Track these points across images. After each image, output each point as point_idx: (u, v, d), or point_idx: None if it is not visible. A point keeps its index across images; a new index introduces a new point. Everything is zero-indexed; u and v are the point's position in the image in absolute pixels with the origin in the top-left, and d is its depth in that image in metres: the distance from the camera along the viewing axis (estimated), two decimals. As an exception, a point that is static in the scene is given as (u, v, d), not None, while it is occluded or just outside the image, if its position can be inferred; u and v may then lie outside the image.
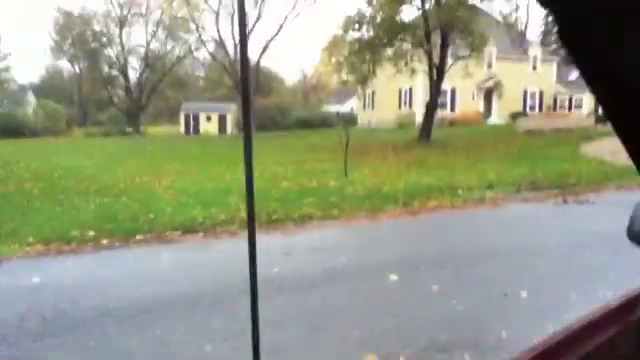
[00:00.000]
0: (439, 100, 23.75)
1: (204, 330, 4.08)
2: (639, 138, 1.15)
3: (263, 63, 52.49)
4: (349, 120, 33.06)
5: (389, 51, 23.66)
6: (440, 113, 24.76)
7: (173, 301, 4.72)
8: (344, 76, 26.77)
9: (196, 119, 48.23)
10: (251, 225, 1.13)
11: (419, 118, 23.57)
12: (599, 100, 1.09)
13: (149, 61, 49.48)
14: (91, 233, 7.28)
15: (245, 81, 1.22)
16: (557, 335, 1.26)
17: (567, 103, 38.37)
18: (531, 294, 4.70)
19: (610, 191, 10.37)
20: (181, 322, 4.26)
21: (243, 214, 8.22)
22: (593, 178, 11.79)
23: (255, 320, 1.24)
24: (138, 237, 7.24)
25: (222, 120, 47.86)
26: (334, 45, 27.01)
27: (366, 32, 23.23)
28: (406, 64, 23.35)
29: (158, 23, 47.54)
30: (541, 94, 38.98)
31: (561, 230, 7.49)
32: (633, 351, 1.32)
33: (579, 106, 36.51)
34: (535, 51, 38.24)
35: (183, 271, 5.81)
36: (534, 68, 38.63)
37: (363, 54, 23.11)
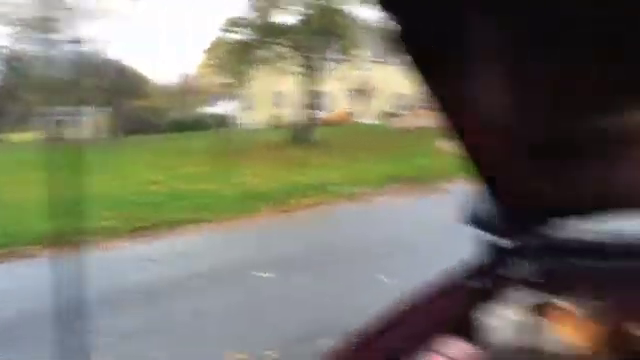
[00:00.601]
0: (315, 101, 24.36)
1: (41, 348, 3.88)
2: (471, 140, 1.32)
3: (137, 64, 50.06)
4: (228, 122, 32.78)
5: (267, 53, 23.82)
6: (316, 114, 25.39)
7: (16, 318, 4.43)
8: (223, 78, 26.46)
9: (63, 124, 44.78)
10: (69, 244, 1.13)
11: (296, 119, 24.02)
12: (433, 100, 1.22)
13: (12, 63, 45.09)
14: None
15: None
16: (397, 306, 1.41)
17: (433, 103, 41.16)
18: (399, 280, 4.91)
19: (463, 181, 11.32)
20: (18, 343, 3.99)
21: (108, 223, 7.89)
22: (449, 170, 12.81)
23: (81, 341, 1.24)
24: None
25: (92, 124, 44.90)
26: (215, 47, 26.62)
27: (245, 34, 23.22)
28: (284, 67, 23.70)
29: (20, 22, 43.39)
30: (410, 95, 41.51)
31: (424, 219, 7.98)
32: (464, 315, 1.49)
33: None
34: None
35: (36, 287, 5.43)
36: (404, 71, 40.95)
37: (241, 56, 23.07)
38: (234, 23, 22.92)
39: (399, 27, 0.97)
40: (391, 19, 0.96)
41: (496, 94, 1.12)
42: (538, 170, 1.39)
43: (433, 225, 7.39)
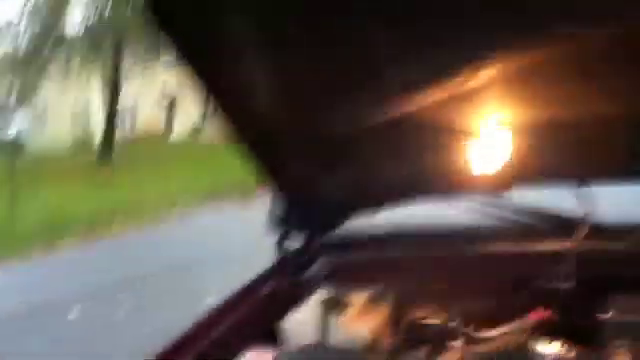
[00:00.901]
0: (120, 115, 22.87)
1: None
2: (252, 145, 1.26)
3: None
4: (15, 142, 29.10)
5: (62, 62, 21.70)
6: (122, 129, 23.80)
7: None
8: (9, 91, 23.57)
9: None
10: None
11: (99, 136, 22.23)
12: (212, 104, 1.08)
13: None
14: None
15: None
16: (192, 323, 1.31)
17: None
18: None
19: (270, 189, 11.59)
20: None
21: None
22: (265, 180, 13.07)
23: None
24: None
25: None
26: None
27: (33, 40, 20.82)
28: (81, 77, 21.89)
29: None
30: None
31: (243, 232, 7.94)
32: (262, 322, 1.47)
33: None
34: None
35: None
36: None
37: (23, 69, 20.66)
38: (5, 33, 20.43)
39: (160, 22, 0.90)
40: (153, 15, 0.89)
41: (267, 91, 1.06)
42: (326, 167, 1.40)
43: (251, 236, 7.43)
